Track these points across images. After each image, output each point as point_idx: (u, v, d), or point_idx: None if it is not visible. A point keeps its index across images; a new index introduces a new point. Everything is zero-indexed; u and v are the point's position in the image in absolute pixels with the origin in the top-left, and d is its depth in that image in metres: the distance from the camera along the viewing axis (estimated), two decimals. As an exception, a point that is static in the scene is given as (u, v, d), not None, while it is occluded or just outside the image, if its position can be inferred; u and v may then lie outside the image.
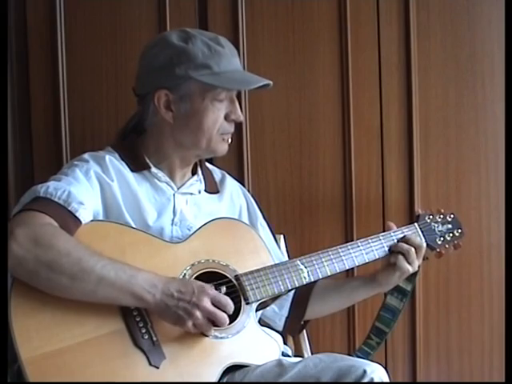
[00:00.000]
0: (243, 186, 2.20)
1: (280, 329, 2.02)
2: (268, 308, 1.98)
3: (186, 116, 1.87)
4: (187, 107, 1.87)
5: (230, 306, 1.70)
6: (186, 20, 2.38)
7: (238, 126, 2.38)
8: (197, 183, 1.99)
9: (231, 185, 2.09)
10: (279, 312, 2.03)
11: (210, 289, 1.69)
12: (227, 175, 2.11)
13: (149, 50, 1.92)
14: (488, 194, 2.47)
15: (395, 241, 1.98)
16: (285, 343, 2.01)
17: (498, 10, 2.39)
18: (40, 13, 2.38)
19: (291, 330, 2.08)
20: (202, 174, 2.02)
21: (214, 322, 1.68)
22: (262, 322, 1.92)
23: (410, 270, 1.95)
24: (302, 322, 2.09)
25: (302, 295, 2.02)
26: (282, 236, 2.20)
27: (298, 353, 2.13)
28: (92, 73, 2.41)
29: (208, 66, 1.84)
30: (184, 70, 1.84)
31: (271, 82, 1.93)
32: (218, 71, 1.85)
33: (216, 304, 1.68)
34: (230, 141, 1.96)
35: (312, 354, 2.14)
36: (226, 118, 1.90)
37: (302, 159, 2.45)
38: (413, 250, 1.94)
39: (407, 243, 1.95)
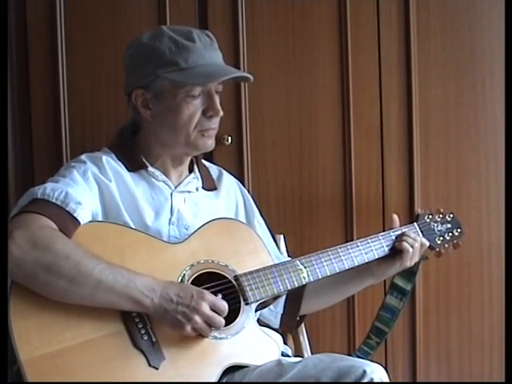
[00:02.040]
0: (243, 185, 2.20)
1: (277, 326, 2.02)
2: None
3: (162, 114, 1.87)
4: (162, 105, 1.86)
5: (226, 310, 1.70)
6: (186, 20, 2.38)
7: (238, 126, 2.40)
8: (194, 181, 1.98)
9: (228, 181, 2.09)
10: (274, 310, 2.03)
11: (208, 293, 1.69)
12: (224, 171, 2.10)
13: (126, 51, 1.93)
14: (488, 193, 2.47)
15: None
16: (285, 343, 2.01)
17: (498, 10, 2.39)
18: (40, 13, 2.38)
19: (288, 326, 2.07)
20: (199, 171, 2.01)
21: (211, 326, 1.68)
22: (260, 321, 1.92)
23: (408, 264, 1.98)
24: (298, 318, 2.09)
25: (296, 291, 2.01)
26: (281, 236, 2.20)
27: (298, 353, 2.13)
28: (92, 73, 2.41)
29: (175, 63, 1.83)
30: (152, 68, 1.84)
31: (245, 74, 1.93)
32: (185, 67, 1.83)
33: (214, 309, 1.68)
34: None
35: (312, 354, 2.14)
36: (204, 113, 1.87)
37: (302, 159, 2.45)
38: (416, 244, 1.98)
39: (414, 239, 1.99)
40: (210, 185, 2.02)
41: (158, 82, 1.84)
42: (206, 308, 1.66)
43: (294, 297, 2.02)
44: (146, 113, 1.88)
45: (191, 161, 2.00)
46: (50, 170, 1.93)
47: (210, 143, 1.91)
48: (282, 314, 2.03)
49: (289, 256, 2.15)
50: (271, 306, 2.01)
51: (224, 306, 1.70)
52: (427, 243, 2.03)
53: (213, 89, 1.87)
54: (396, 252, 1.99)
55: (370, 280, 2.04)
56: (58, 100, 2.39)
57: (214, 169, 2.09)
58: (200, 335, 1.69)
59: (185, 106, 1.84)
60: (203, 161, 2.07)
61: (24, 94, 2.40)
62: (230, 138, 2.39)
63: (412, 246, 1.97)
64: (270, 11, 2.42)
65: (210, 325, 1.67)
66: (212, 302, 1.68)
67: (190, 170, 2.00)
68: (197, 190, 1.98)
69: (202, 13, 2.42)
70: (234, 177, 2.15)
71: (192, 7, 2.41)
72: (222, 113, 1.89)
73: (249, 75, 1.93)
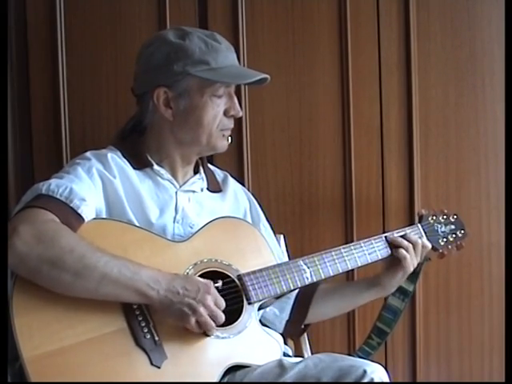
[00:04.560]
0: (243, 186, 2.20)
1: (280, 331, 2.01)
2: (268, 310, 1.98)
3: (185, 113, 1.88)
4: (186, 104, 1.87)
5: (223, 307, 1.70)
6: (186, 20, 2.38)
7: (238, 126, 2.40)
8: (199, 181, 1.99)
9: (234, 185, 2.09)
10: (280, 315, 2.03)
11: (213, 287, 1.69)
12: (229, 176, 2.11)
13: (145, 48, 1.92)
14: (488, 194, 2.47)
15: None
16: (285, 343, 2.01)
17: (498, 10, 2.40)
18: (40, 13, 2.38)
19: (291, 333, 2.07)
20: (205, 172, 2.02)
21: (214, 320, 1.68)
22: (261, 322, 1.91)
23: (411, 268, 1.96)
24: (303, 326, 2.08)
25: (304, 299, 2.02)
26: (282, 236, 2.20)
27: (298, 353, 2.12)
28: (92, 73, 2.40)
29: (205, 62, 1.85)
30: (182, 66, 1.84)
31: (268, 76, 1.94)
32: (215, 66, 1.85)
33: (215, 304, 1.68)
34: (230, 140, 1.96)
35: (312, 354, 2.14)
36: (225, 113, 1.90)
37: (302, 159, 2.45)
38: (411, 247, 1.96)
39: (406, 240, 1.96)
40: (214, 187, 2.03)
41: (185, 81, 1.85)
42: (211, 302, 1.66)
43: (302, 304, 2.02)
44: (166, 111, 1.88)
45: (196, 162, 2.00)
46: (50, 170, 1.92)
47: (225, 144, 1.95)
48: (287, 321, 2.03)
49: (288, 256, 2.15)
50: (277, 311, 2.01)
51: (222, 301, 1.70)
52: (429, 245, 2.01)
53: (232, 90, 1.90)
54: (396, 261, 1.96)
55: (380, 292, 2.02)
56: (58, 100, 2.39)
57: (218, 172, 2.10)
58: (203, 334, 1.69)
59: (210, 105, 1.87)
60: (208, 164, 2.07)
61: (24, 94, 2.39)
62: (230, 138, 2.38)
63: (407, 251, 1.95)
64: (270, 11, 2.42)
65: (213, 319, 1.67)
66: (215, 297, 1.68)
67: (195, 172, 2.00)
68: (201, 190, 1.98)
69: (201, 13, 2.42)
70: (238, 181, 2.15)
71: (192, 7, 2.41)
72: (241, 113, 1.93)
73: (268, 77, 1.95)
